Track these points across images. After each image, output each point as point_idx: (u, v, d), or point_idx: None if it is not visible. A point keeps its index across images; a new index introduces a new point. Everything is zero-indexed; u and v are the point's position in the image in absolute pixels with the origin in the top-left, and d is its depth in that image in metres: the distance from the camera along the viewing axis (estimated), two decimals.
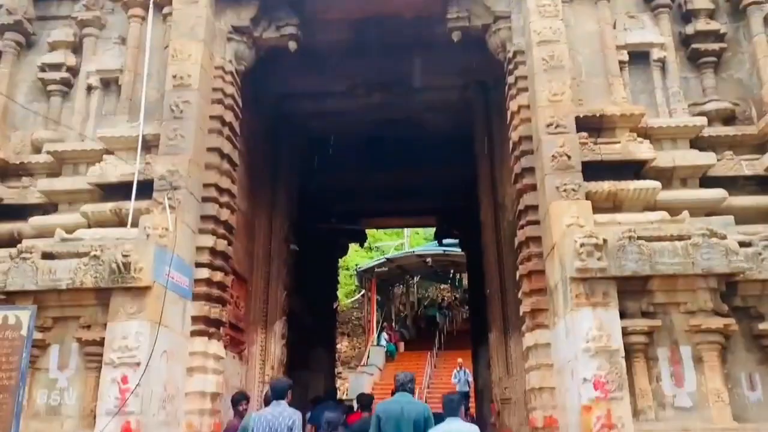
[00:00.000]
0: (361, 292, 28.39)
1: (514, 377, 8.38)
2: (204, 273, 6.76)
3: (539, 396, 6.28)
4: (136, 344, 5.62)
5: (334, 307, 14.47)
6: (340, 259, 16.00)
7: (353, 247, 30.25)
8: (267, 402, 6.50)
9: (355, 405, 11.61)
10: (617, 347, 5.30)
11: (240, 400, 7.33)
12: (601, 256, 5.48)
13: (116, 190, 6.78)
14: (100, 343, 5.76)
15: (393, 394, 5.90)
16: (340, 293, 25.69)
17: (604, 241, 5.52)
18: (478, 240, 13.65)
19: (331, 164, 11.93)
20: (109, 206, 6.70)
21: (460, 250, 25.05)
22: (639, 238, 5.59)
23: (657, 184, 6.40)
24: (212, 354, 6.71)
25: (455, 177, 11.86)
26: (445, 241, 26.94)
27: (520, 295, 6.87)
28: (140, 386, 5.51)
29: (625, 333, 5.42)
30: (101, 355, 5.71)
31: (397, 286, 30.71)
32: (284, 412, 5.47)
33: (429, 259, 24.70)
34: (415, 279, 30.86)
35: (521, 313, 6.81)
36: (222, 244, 7.04)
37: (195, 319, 6.63)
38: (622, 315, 5.49)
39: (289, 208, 10.17)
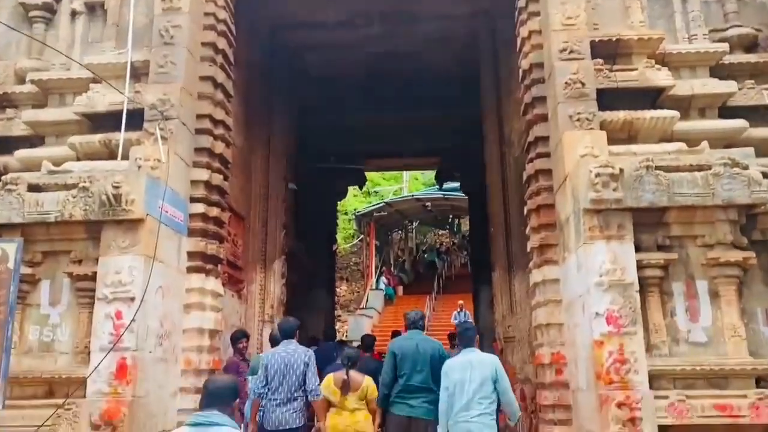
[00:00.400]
0: (360, 237, 28.29)
1: (518, 316, 8.25)
2: (199, 208, 6.50)
3: (546, 332, 6.12)
4: (129, 279, 5.39)
5: (334, 249, 14.30)
6: (338, 203, 15.73)
7: (352, 191, 29.99)
8: (274, 342, 6.56)
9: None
10: (631, 281, 5.08)
11: (239, 337, 7.20)
12: (617, 187, 5.20)
13: (105, 121, 6.43)
14: (92, 278, 5.53)
15: (405, 331, 5.79)
16: (338, 238, 25.59)
17: (621, 171, 5.23)
18: (480, 181, 13.38)
19: (329, 102, 11.53)
20: (98, 137, 6.36)
21: (460, 194, 24.93)
22: (657, 168, 5.30)
23: (675, 113, 6.07)
24: (210, 291, 6.51)
25: (458, 116, 11.48)
26: (446, 186, 26.74)
27: (527, 231, 6.63)
28: (135, 322, 5.31)
29: (640, 267, 5.19)
30: (93, 290, 5.48)
31: (395, 232, 30.60)
32: (297, 349, 5.46)
33: (429, 204, 24.49)
34: (414, 224, 30.72)
35: (528, 250, 6.59)
36: (218, 179, 6.75)
37: (191, 255, 6.40)
38: (637, 248, 5.24)
39: (287, 145, 9.84)
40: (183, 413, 6.03)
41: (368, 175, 29.25)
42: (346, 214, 26.68)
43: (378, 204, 25.16)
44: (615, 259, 5.14)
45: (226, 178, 7.00)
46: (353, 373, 5.56)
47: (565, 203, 5.79)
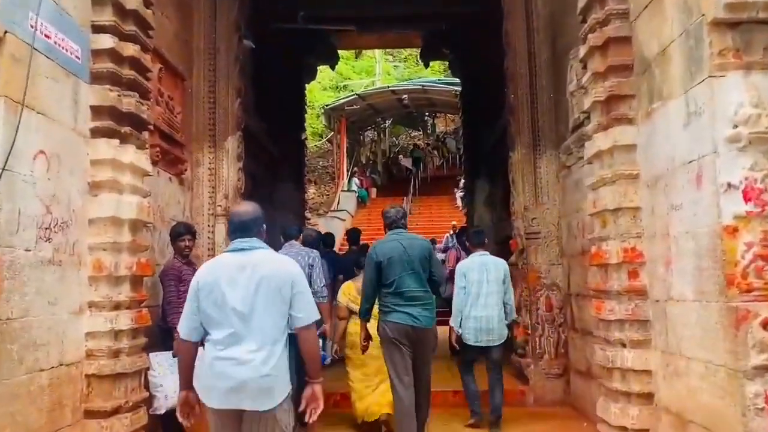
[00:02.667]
0: (329, 137, 26.06)
1: (545, 206, 6.46)
2: (106, 41, 4.34)
3: (613, 221, 4.32)
4: None
5: (303, 138, 12.21)
6: (307, 85, 13.43)
7: (319, 86, 27.47)
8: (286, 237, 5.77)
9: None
10: None
11: (181, 233, 5.30)
12: None
13: None
14: None
15: (385, 231, 4.98)
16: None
17: None
18: (476, 56, 11.32)
19: None
20: None
21: (442, 84, 22.73)
22: None
23: None
24: (129, 165, 4.48)
25: None
26: (423, 79, 24.44)
27: (585, 80, 4.66)
28: None
29: None
30: None
31: (368, 130, 28.43)
32: (301, 252, 5.31)
33: (405, 97, 22.25)
34: (388, 123, 28.52)
35: (587, 107, 4.65)
36: (135, 0, 4.55)
37: (97, 112, 4.31)
38: None
39: None
40: (97, 338, 4.17)
41: (338, 67, 26.69)
42: (313, 107, 24.26)
43: (350, 96, 22.80)
44: (758, 99, 3.25)
45: (148, 5, 4.79)
46: None
47: (662, 26, 3.82)
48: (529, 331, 6.39)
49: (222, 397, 2.89)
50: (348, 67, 28.97)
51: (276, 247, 8.42)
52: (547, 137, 6.47)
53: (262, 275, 2.96)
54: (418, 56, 15.24)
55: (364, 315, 4.81)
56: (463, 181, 22.76)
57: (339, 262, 7.94)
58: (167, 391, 4.78)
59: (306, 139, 12.48)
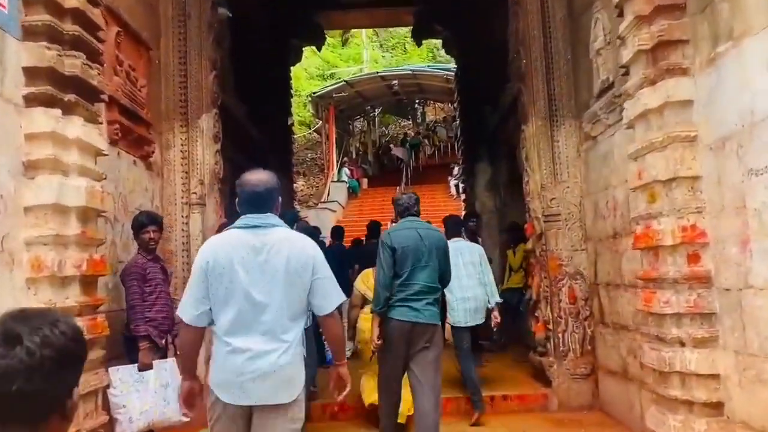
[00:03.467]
0: (316, 126, 25.21)
1: (565, 184, 5.71)
2: None
3: (666, 194, 3.56)
4: None
5: (289, 123, 11.37)
6: (292, 68, 12.56)
7: (306, 74, 26.60)
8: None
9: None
10: None
11: (144, 224, 4.51)
12: None
13: None
14: None
15: (397, 219, 4.57)
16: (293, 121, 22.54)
17: None
18: (471, 33, 10.56)
19: None
20: None
21: (433, 69, 21.97)
22: None
23: None
24: (75, 141, 3.66)
25: None
26: (413, 66, 23.64)
27: (623, 28, 3.87)
28: None
29: None
30: None
31: (357, 119, 27.59)
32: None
33: (395, 83, 21.42)
34: (377, 111, 27.68)
35: (626, 59, 3.87)
36: None
37: (31, 75, 3.49)
38: None
39: None
40: None
41: (324, 55, 25.81)
42: (299, 95, 23.39)
43: (338, 83, 21.93)
44: None
45: None
46: None
47: None
48: (551, 327, 5.64)
49: (239, 392, 2.61)
50: (335, 54, 28.12)
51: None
52: (565, 106, 5.70)
53: (280, 259, 2.65)
54: (410, 34, 14.39)
55: (381, 306, 4.19)
56: (459, 166, 22.14)
57: (360, 252, 7.99)
58: (132, 413, 4.00)
59: (292, 124, 11.63)
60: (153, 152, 5.45)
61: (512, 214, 9.27)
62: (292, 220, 5.51)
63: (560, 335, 5.59)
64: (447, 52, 12.84)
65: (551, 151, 5.73)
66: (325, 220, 17.45)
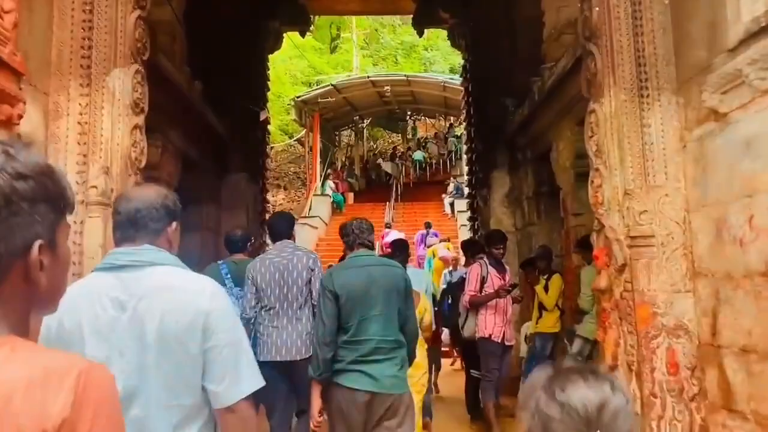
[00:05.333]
0: (299, 135, 23.26)
1: (661, 190, 3.81)
2: None
3: None
4: None
5: (262, 118, 9.38)
6: (270, 55, 10.59)
7: (291, 79, 24.71)
8: (230, 246, 4.85)
9: None
10: None
11: None
12: None
13: None
14: None
15: (342, 257, 4.05)
16: (272, 127, 20.61)
17: None
18: (487, 16, 8.78)
19: None
20: None
21: (430, 75, 20.26)
22: None
23: None
24: None
25: None
26: (408, 73, 21.91)
27: None
28: None
29: None
30: None
31: (344, 130, 25.71)
32: (297, 252, 4.30)
33: (387, 89, 19.53)
34: (366, 123, 25.84)
35: None
36: None
37: None
38: None
39: None
40: None
41: (312, 60, 23.97)
42: (280, 97, 21.45)
43: (324, 87, 19.98)
44: None
45: None
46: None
47: None
48: (639, 408, 3.65)
49: None
50: (323, 60, 26.30)
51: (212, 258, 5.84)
52: (661, 74, 3.78)
53: (152, 318, 1.71)
54: (411, 22, 12.55)
55: (320, 371, 3.39)
56: (454, 183, 20.42)
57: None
58: None
59: (267, 121, 9.60)
60: (21, 117, 3.43)
61: (539, 235, 7.37)
62: (289, 226, 4.56)
63: (654, 424, 3.59)
64: (452, 43, 10.99)
65: (641, 140, 3.78)
66: (305, 237, 15.44)
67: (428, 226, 16.08)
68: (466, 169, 11.94)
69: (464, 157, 17.39)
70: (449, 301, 6.45)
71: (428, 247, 14.61)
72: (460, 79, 11.48)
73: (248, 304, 4.19)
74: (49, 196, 0.97)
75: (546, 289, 6.19)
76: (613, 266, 3.85)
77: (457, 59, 28.21)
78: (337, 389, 3.37)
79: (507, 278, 5.59)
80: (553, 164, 6.47)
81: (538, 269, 6.35)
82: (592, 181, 4.07)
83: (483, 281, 5.40)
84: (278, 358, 4.08)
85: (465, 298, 5.50)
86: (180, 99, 6.02)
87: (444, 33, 12.01)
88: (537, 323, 6.32)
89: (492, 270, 5.47)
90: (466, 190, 15.06)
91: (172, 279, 1.80)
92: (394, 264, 3.81)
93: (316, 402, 3.41)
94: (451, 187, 20.44)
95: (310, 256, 4.32)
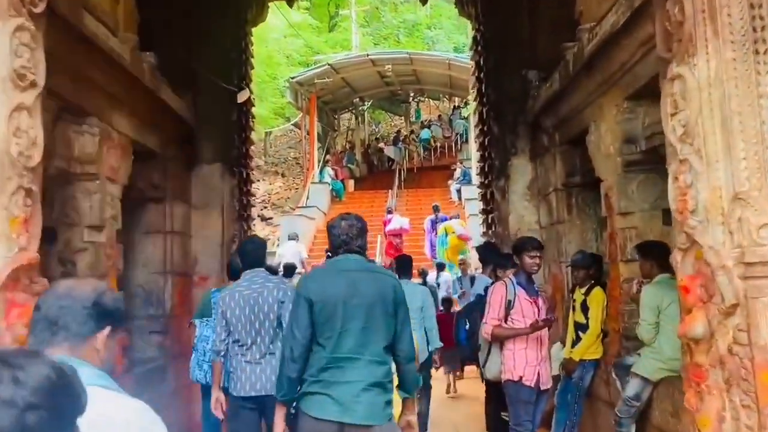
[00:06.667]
0: (296, 119, 21.96)
1: None
2: None
3: None
4: None
5: (242, 99, 8.10)
6: (254, 27, 9.30)
7: (286, 60, 23.33)
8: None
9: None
10: None
11: None
12: None
13: None
14: None
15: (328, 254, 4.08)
16: (266, 110, 19.34)
17: None
18: None
19: None
20: None
21: (427, 55, 18.95)
22: None
23: None
24: None
25: None
26: (411, 51, 20.58)
27: None
28: None
29: None
30: None
31: (344, 113, 24.39)
32: (267, 283, 4.07)
33: (388, 68, 18.19)
34: (367, 105, 24.50)
35: None
36: None
37: None
38: None
39: None
40: None
41: (308, 39, 22.55)
42: (274, 79, 20.15)
43: (320, 67, 18.63)
44: None
45: None
46: None
47: None
48: None
49: None
50: (320, 40, 24.90)
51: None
52: None
53: None
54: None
55: (284, 391, 2.99)
56: (460, 168, 19.18)
57: None
58: None
59: (248, 105, 8.28)
60: None
61: (570, 235, 6.14)
62: (258, 251, 4.33)
63: None
64: (461, 13, 9.64)
65: (758, 117, 2.54)
66: (300, 229, 14.24)
67: (436, 209, 14.84)
68: (476, 155, 10.61)
69: (472, 141, 16.09)
70: (467, 327, 5.22)
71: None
72: (468, 56, 10.22)
73: (218, 337, 4.12)
74: (61, 414, 1.00)
75: (584, 307, 4.96)
76: (716, 305, 2.61)
77: (462, 38, 26.85)
78: (301, 417, 2.96)
79: (540, 303, 4.34)
80: (590, 150, 5.23)
81: (576, 279, 5.15)
82: (676, 178, 2.82)
83: (509, 306, 4.17)
84: (252, 393, 3.96)
85: (486, 329, 4.26)
86: (123, 74, 4.79)
87: (447, 10, 10.77)
88: (571, 346, 5.11)
89: (521, 291, 4.21)
90: (475, 177, 13.87)
91: (89, 411, 1.37)
92: (384, 271, 3.44)
93: (279, 426, 3.06)
94: (457, 173, 19.16)
95: (281, 287, 4.12)
